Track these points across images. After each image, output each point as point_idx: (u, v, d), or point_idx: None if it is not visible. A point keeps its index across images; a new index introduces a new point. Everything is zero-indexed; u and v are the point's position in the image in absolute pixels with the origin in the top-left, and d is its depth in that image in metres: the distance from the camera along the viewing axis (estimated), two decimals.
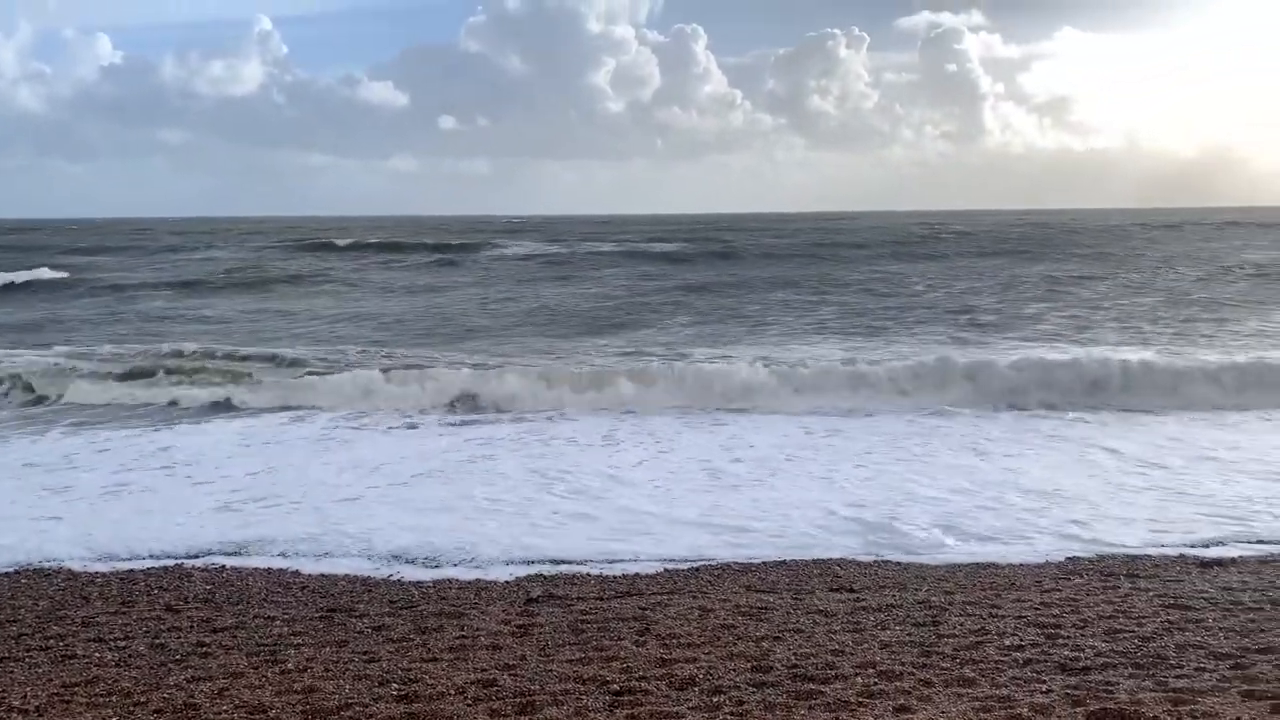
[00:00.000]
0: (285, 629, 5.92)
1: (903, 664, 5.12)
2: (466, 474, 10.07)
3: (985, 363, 14.41)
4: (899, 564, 7.19)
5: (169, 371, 15.70)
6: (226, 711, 4.66)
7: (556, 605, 6.30)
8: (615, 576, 6.97)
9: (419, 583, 6.90)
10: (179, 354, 17.49)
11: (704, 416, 12.91)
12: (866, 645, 5.43)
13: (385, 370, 15.10)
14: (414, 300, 29.95)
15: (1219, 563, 7.02)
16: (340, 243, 54.92)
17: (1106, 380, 13.55)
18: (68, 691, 4.94)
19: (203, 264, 43.72)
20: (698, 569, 7.12)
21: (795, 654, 5.29)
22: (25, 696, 4.86)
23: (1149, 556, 7.25)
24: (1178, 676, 4.89)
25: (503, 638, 5.68)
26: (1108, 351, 16.09)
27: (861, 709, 4.55)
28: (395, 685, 4.95)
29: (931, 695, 4.69)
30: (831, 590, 6.54)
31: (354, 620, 6.07)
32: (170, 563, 7.41)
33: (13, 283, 33.80)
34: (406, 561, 7.41)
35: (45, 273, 37.13)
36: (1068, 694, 4.67)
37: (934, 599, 6.28)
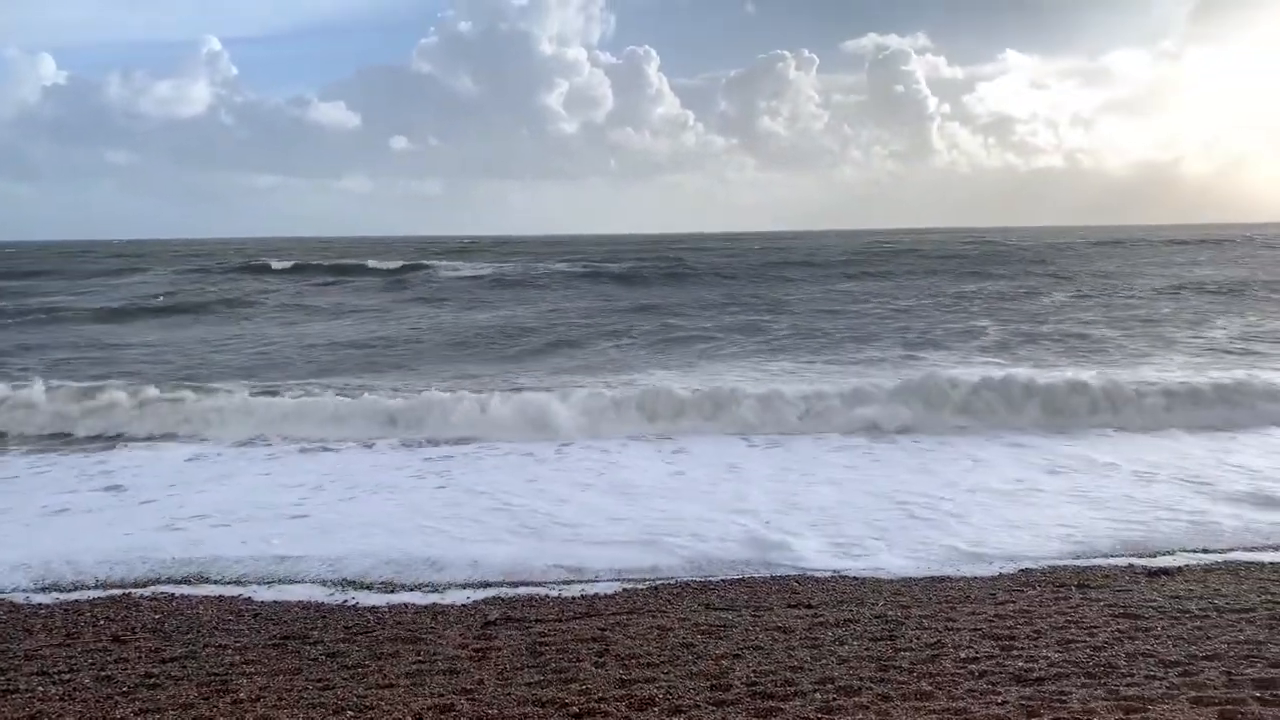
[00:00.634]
0: (237, 657, 5.80)
1: (861, 679, 5.15)
2: (336, 510, 9.44)
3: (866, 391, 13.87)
4: (856, 579, 7.24)
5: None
6: None
7: (515, 628, 6.25)
8: (574, 597, 6.94)
9: (374, 608, 6.81)
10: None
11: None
12: (825, 661, 5.45)
13: (274, 395, 14.55)
14: (343, 324, 28.87)
15: (1166, 572, 7.16)
16: (278, 265, 53.57)
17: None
18: None
19: (137, 287, 42.25)
20: (656, 588, 7.11)
21: (755, 671, 5.30)
22: None
23: (1099, 567, 7.38)
24: (1128, 685, 4.97)
25: (460, 662, 5.62)
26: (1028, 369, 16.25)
27: None
28: (350, 713, 4.88)
29: (890, 709, 4.73)
30: (790, 606, 6.57)
31: (308, 647, 5.97)
32: (117, 592, 7.24)
33: None
34: (362, 587, 7.31)
35: None
36: (1023, 704, 4.73)
37: (890, 613, 6.33)
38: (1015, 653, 5.49)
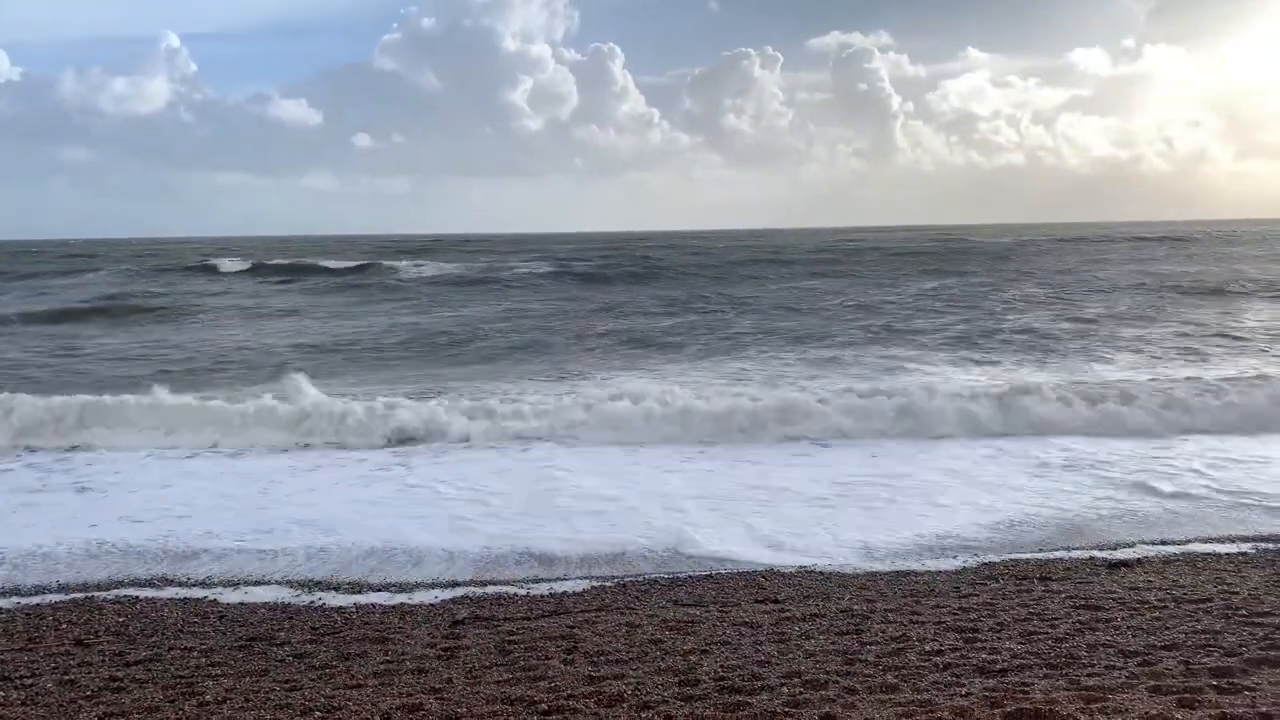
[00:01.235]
0: (203, 660, 5.75)
1: (827, 673, 5.20)
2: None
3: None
4: (822, 573, 7.31)
5: None
6: None
7: (483, 626, 6.25)
8: (542, 595, 6.94)
9: (341, 608, 6.78)
10: None
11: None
12: (792, 655, 5.50)
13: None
14: (298, 324, 28.36)
15: (1126, 564, 7.29)
16: (227, 267, 51.97)
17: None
18: None
19: (75, 290, 40.37)
20: (625, 584, 7.13)
21: (722, 666, 5.34)
22: None
23: (1061, 560, 7.50)
24: (1089, 675, 5.05)
25: (428, 661, 5.61)
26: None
27: (788, 719, 4.61)
28: (318, 713, 4.85)
29: (856, 702, 4.78)
30: (757, 602, 6.61)
31: (275, 648, 5.93)
32: (80, 595, 7.15)
33: None
34: (329, 587, 7.28)
35: None
36: (986, 696, 4.80)
37: (856, 607, 6.39)
38: (979, 645, 5.56)
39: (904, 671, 5.18)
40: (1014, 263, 50.65)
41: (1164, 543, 7.92)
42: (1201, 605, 6.20)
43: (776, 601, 6.61)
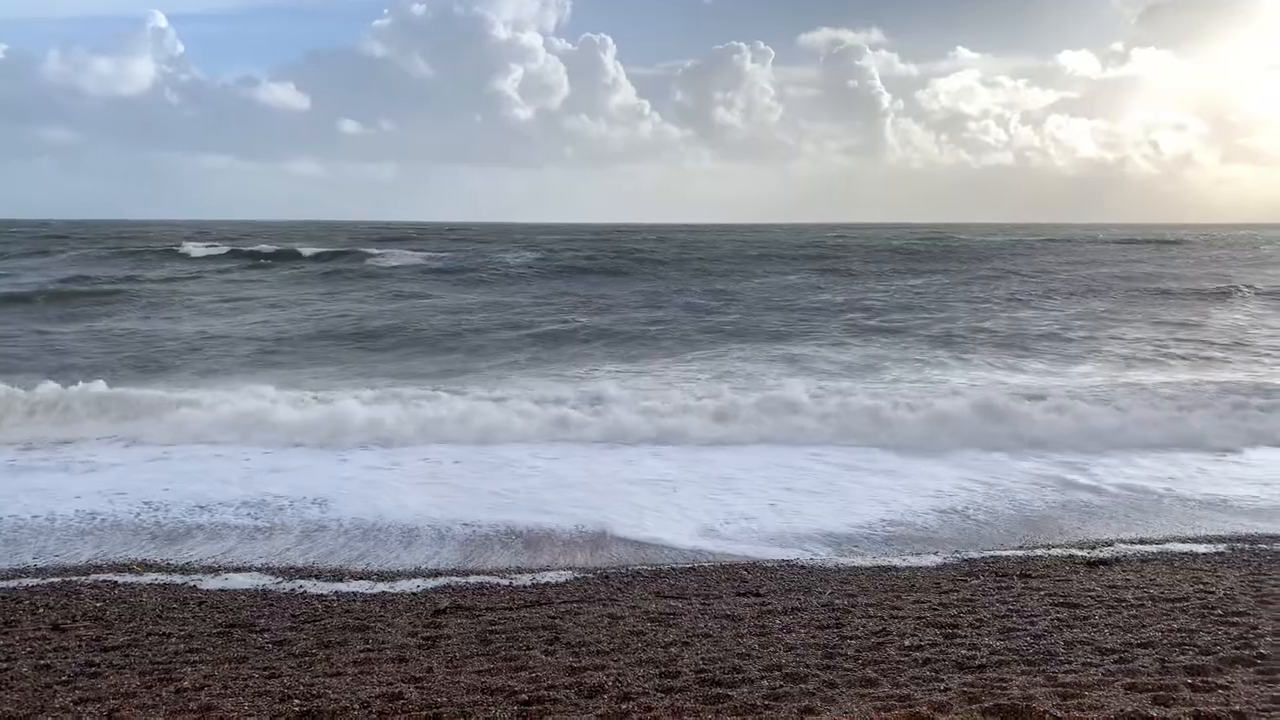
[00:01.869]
0: (181, 646, 5.73)
1: (808, 666, 5.21)
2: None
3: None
4: (804, 567, 7.33)
5: None
6: None
7: (465, 616, 6.24)
8: (525, 586, 6.94)
9: (322, 596, 6.76)
10: None
11: None
12: (772, 648, 5.51)
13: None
14: (270, 313, 27.36)
15: (1104, 562, 7.34)
16: (197, 252, 50.58)
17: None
18: None
19: (29, 274, 38.76)
20: (608, 576, 7.14)
21: (703, 659, 5.35)
22: None
23: (1040, 557, 7.54)
24: (1066, 671, 5.09)
25: (409, 650, 5.60)
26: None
27: (768, 711, 4.61)
28: (297, 701, 4.83)
29: (835, 696, 4.79)
30: (739, 595, 6.63)
31: (254, 635, 5.91)
32: (57, 579, 7.11)
33: None
34: (310, 575, 7.25)
35: None
36: (965, 691, 4.82)
37: (837, 601, 6.41)
38: (958, 640, 5.59)
39: (884, 666, 5.20)
40: (998, 262, 50.79)
41: (1142, 542, 7.98)
42: (1178, 604, 6.24)
43: (758, 594, 6.62)
